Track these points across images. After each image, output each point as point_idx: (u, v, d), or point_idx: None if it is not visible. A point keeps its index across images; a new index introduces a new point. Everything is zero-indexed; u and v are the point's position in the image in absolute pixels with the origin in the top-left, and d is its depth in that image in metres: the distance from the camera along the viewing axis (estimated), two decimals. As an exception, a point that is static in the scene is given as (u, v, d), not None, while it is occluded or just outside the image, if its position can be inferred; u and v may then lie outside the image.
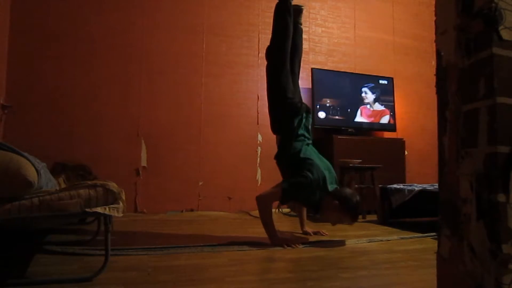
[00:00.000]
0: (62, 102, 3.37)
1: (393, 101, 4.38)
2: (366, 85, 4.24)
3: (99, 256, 1.66)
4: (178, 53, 3.77)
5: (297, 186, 2.16)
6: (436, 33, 0.90)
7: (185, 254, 1.85)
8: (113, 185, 1.49)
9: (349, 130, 4.08)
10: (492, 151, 0.74)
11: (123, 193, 1.53)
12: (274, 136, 2.48)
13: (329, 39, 4.40)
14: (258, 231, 2.56)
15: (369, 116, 4.23)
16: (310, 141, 2.41)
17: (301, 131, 2.35)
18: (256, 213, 3.51)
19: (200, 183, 3.72)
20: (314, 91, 3.99)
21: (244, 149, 3.91)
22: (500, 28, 0.75)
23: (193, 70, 3.81)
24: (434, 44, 0.91)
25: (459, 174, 0.82)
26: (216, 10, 3.93)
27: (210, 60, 3.88)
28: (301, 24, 2.58)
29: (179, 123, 3.71)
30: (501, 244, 0.72)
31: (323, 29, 4.38)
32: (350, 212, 2.15)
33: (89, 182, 1.47)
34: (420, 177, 4.47)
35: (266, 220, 2.19)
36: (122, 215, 1.47)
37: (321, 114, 3.99)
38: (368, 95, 4.24)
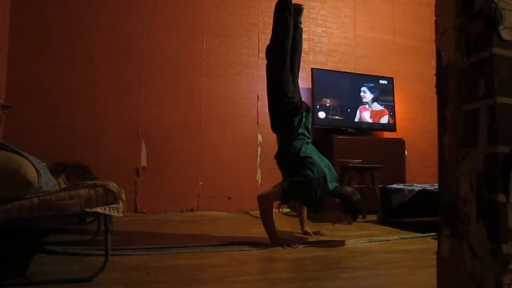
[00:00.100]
0: (62, 102, 3.37)
1: (393, 101, 4.38)
2: (365, 84, 4.24)
3: (99, 256, 1.66)
4: (178, 53, 3.77)
5: (297, 185, 2.16)
6: (436, 33, 0.90)
7: (185, 254, 1.85)
8: (113, 185, 1.49)
9: (349, 130, 4.08)
10: (492, 151, 0.74)
11: (123, 193, 1.53)
12: (274, 136, 2.48)
13: (329, 39, 4.40)
14: (258, 231, 2.56)
15: (368, 116, 4.23)
16: (310, 140, 2.42)
17: (301, 130, 2.35)
18: (256, 213, 3.52)
19: (200, 183, 3.72)
20: (314, 91, 3.99)
21: (244, 149, 3.91)
22: (500, 28, 0.75)
23: (193, 70, 3.81)
24: (434, 44, 0.91)
25: (459, 174, 0.82)
26: (216, 10, 3.93)
27: (210, 60, 3.88)
28: (301, 23, 2.59)
29: (179, 123, 3.71)
30: (501, 244, 0.72)
31: (323, 29, 4.38)
32: (350, 210, 2.15)
33: (89, 182, 1.47)
34: (420, 177, 4.47)
35: (267, 220, 2.19)
36: (122, 215, 1.47)
37: (321, 114, 3.99)
38: (367, 95, 4.24)
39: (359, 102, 4.21)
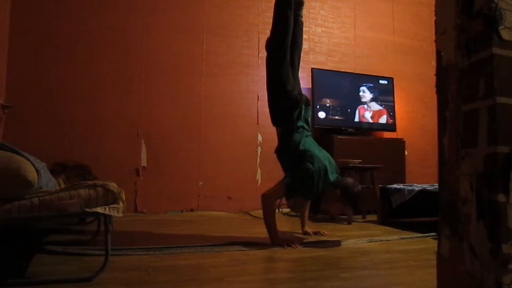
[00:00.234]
0: (62, 102, 3.37)
1: (393, 101, 4.38)
2: (364, 84, 4.24)
3: (99, 256, 1.66)
4: (178, 53, 3.77)
5: (299, 180, 2.17)
6: (436, 33, 0.90)
7: (185, 254, 1.85)
8: (113, 185, 1.49)
9: (349, 130, 4.08)
10: (492, 151, 0.74)
11: (123, 193, 1.53)
12: (274, 136, 2.47)
13: (329, 39, 4.40)
14: (258, 231, 2.56)
15: (367, 116, 4.23)
16: (310, 133, 2.42)
17: (300, 123, 2.35)
18: (255, 213, 3.52)
19: (200, 183, 3.72)
20: (314, 91, 3.99)
21: (244, 149, 3.91)
22: (500, 28, 0.75)
23: (193, 70, 3.81)
24: (434, 44, 0.91)
25: (459, 174, 0.82)
26: (216, 10, 3.93)
27: (210, 60, 3.88)
28: (301, 17, 2.57)
29: (179, 123, 3.71)
30: (501, 244, 0.72)
31: (323, 29, 4.38)
32: (351, 200, 2.16)
33: (89, 182, 1.47)
34: (420, 177, 4.48)
35: (269, 219, 2.19)
36: (122, 215, 1.47)
37: (321, 114, 3.99)
38: (366, 94, 4.23)
39: (359, 102, 4.21)
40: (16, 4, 3.27)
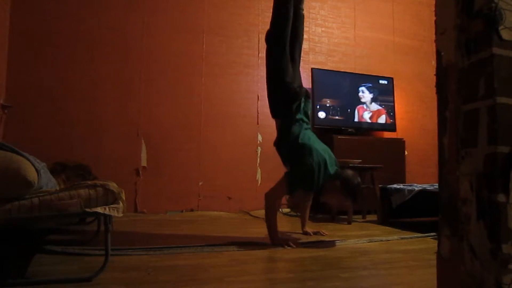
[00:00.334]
0: (62, 102, 3.37)
1: (393, 101, 4.38)
2: (363, 84, 4.24)
3: (99, 256, 1.66)
4: (178, 53, 3.77)
5: (301, 174, 2.17)
6: (436, 33, 0.90)
7: (185, 254, 1.85)
8: (113, 185, 1.49)
9: (349, 130, 4.08)
10: (492, 151, 0.74)
11: (123, 193, 1.53)
12: (274, 136, 2.47)
13: (329, 39, 4.40)
14: (258, 231, 2.56)
15: (366, 116, 4.23)
16: (309, 126, 2.41)
17: (299, 116, 2.34)
18: (255, 213, 3.52)
19: (200, 183, 3.72)
20: (314, 91, 3.99)
21: (244, 149, 3.91)
22: (500, 28, 0.75)
23: (193, 70, 3.81)
24: (434, 44, 0.91)
25: (459, 174, 0.82)
26: (216, 10, 3.93)
27: (210, 60, 3.88)
28: (302, 10, 2.55)
29: (179, 123, 3.71)
30: (501, 244, 0.72)
31: (323, 29, 4.38)
32: (351, 192, 2.16)
33: (89, 182, 1.47)
34: (420, 177, 4.47)
35: (270, 219, 2.19)
36: (122, 215, 1.47)
37: (321, 114, 3.99)
38: (365, 94, 4.23)
39: (358, 102, 4.21)
40: (16, 4, 3.27)
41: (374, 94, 4.27)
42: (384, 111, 4.31)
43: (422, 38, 4.79)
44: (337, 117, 4.07)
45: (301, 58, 2.62)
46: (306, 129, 2.34)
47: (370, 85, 4.27)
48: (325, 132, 4.03)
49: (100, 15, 3.54)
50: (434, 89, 0.90)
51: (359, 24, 4.56)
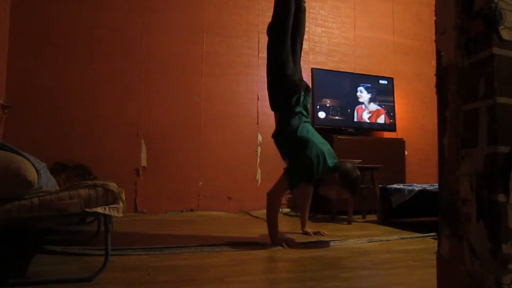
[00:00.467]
0: (62, 102, 3.37)
1: (393, 101, 4.38)
2: (362, 84, 4.24)
3: (99, 256, 1.66)
4: (178, 53, 3.77)
5: (300, 168, 2.17)
6: (436, 33, 0.90)
7: (185, 254, 1.85)
8: (113, 185, 1.49)
9: (349, 130, 4.08)
10: (492, 151, 0.74)
11: (123, 193, 1.53)
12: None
13: (329, 39, 4.40)
14: (258, 231, 2.56)
15: (365, 116, 4.23)
16: (308, 120, 2.41)
17: (299, 109, 2.34)
18: (255, 213, 3.52)
19: (200, 183, 3.72)
20: (314, 91, 3.99)
21: (244, 149, 3.91)
22: (500, 28, 0.75)
23: (193, 70, 3.81)
24: (434, 44, 0.91)
25: (459, 174, 0.82)
26: (216, 10, 3.93)
27: (210, 60, 3.88)
28: (304, 2, 2.55)
29: (179, 123, 3.71)
30: (501, 244, 0.72)
31: (323, 29, 4.38)
32: (350, 184, 2.15)
33: (89, 182, 1.47)
34: (420, 177, 4.47)
35: (271, 218, 2.19)
36: (122, 215, 1.47)
37: (321, 114, 3.99)
38: (363, 94, 4.23)
39: (357, 102, 4.21)
40: (16, 4, 3.27)
41: (372, 94, 4.27)
42: (384, 111, 4.31)
43: (422, 38, 4.79)
44: (337, 117, 4.07)
45: (301, 58, 2.62)
46: (305, 122, 2.34)
47: (369, 85, 4.27)
48: (325, 132, 4.01)
49: (100, 15, 3.54)
50: (434, 89, 0.90)
51: (359, 24, 4.56)
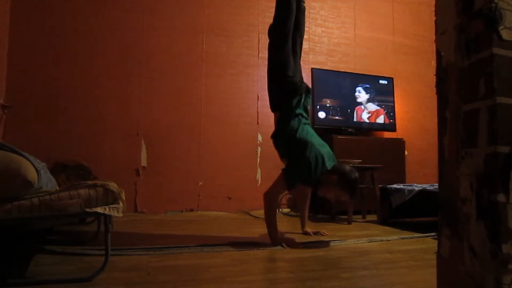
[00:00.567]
0: (62, 102, 3.37)
1: (393, 101, 4.38)
2: (360, 84, 4.24)
3: (99, 256, 1.66)
4: (178, 53, 3.77)
5: (298, 170, 2.17)
6: (436, 33, 0.90)
7: (185, 254, 1.85)
8: (113, 185, 1.49)
9: (349, 130, 4.08)
10: (492, 151, 0.74)
11: (123, 193, 1.53)
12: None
13: (329, 39, 4.40)
14: (258, 231, 2.56)
15: (364, 116, 4.23)
16: (308, 121, 2.41)
17: (299, 111, 2.33)
18: (255, 213, 3.52)
19: (200, 183, 3.72)
20: (314, 91, 3.99)
21: (244, 149, 3.91)
22: (500, 28, 0.75)
23: (193, 70, 3.81)
24: (434, 44, 0.91)
25: (459, 174, 0.82)
26: (216, 10, 3.93)
27: (210, 60, 3.87)
28: (304, 2, 2.56)
29: (179, 123, 3.71)
30: (501, 244, 0.72)
31: (323, 29, 4.38)
32: (348, 186, 2.15)
33: (89, 182, 1.47)
34: (420, 177, 4.47)
35: (270, 218, 2.19)
36: (122, 215, 1.47)
37: (321, 114, 3.99)
38: (362, 95, 4.23)
39: (357, 102, 4.21)
40: (16, 4, 3.27)
41: (371, 95, 4.27)
42: (383, 111, 4.31)
43: (422, 38, 4.79)
44: (337, 117, 4.07)
45: (301, 58, 2.62)
46: (304, 124, 2.34)
47: (367, 85, 4.26)
48: (325, 132, 4.02)
49: (100, 15, 3.54)
50: (434, 89, 0.90)
51: (359, 24, 4.56)
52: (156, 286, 1.34)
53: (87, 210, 1.40)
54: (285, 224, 3.00)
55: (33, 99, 3.28)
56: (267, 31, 2.50)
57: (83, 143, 3.38)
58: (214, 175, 3.77)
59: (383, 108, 4.31)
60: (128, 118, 3.56)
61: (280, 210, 3.80)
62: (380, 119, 4.29)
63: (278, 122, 2.36)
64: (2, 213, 1.30)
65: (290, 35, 2.38)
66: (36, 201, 1.36)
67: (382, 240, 2.35)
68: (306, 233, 2.53)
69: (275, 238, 2.15)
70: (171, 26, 3.76)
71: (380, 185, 3.30)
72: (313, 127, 2.42)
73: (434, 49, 0.91)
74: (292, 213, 3.69)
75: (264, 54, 2.53)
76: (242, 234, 2.50)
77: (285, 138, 2.30)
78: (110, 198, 1.46)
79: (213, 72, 3.87)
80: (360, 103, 4.21)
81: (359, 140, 4.00)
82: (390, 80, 4.42)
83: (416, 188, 2.90)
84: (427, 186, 3.08)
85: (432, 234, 2.51)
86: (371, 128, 4.28)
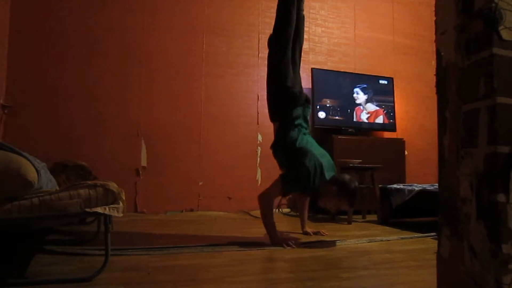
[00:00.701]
0: (62, 102, 3.37)
1: (393, 101, 4.38)
2: (358, 85, 4.23)
3: (99, 256, 1.66)
4: (178, 53, 3.77)
5: (296, 177, 2.17)
6: (436, 33, 0.90)
7: (185, 254, 1.85)
8: (113, 185, 1.49)
9: (349, 130, 4.08)
10: (492, 151, 0.74)
11: (123, 193, 1.52)
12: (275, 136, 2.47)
13: (329, 39, 4.40)
14: (258, 231, 2.56)
15: (363, 117, 4.23)
16: (308, 131, 2.41)
17: (298, 121, 2.33)
18: (256, 213, 3.52)
19: (200, 183, 3.72)
20: (314, 91, 3.99)
21: (244, 149, 3.91)
22: (500, 28, 0.75)
23: (193, 70, 3.81)
24: (434, 44, 0.91)
25: (459, 174, 0.82)
26: (216, 10, 3.93)
27: (210, 60, 3.88)
28: (303, 11, 2.55)
29: (179, 123, 3.71)
30: (501, 244, 0.72)
31: (323, 29, 4.38)
32: (348, 197, 2.16)
33: (89, 182, 1.47)
34: (420, 177, 4.48)
35: (267, 219, 2.19)
36: (122, 215, 1.46)
37: (321, 114, 3.99)
38: (360, 96, 4.23)
39: (356, 102, 4.21)
40: (16, 4, 3.27)
41: (369, 95, 4.26)
42: (382, 112, 4.31)
43: (422, 38, 4.79)
44: (337, 117, 4.07)
45: (301, 58, 2.62)
46: (304, 134, 2.34)
47: (365, 85, 4.26)
48: (325, 132, 4.03)
49: (100, 15, 3.54)
50: (434, 89, 0.90)
51: (359, 24, 4.56)
52: (156, 286, 1.34)
53: (87, 210, 1.40)
54: (285, 224, 3.00)
55: (33, 99, 3.28)
56: (266, 38, 2.50)
57: (83, 143, 3.38)
58: (214, 175, 3.77)
59: (382, 108, 4.31)
60: (128, 118, 3.56)
61: (280, 210, 3.80)
62: (379, 120, 4.29)
63: (277, 132, 2.36)
64: (2, 213, 1.30)
65: (290, 45, 2.38)
66: (36, 201, 1.36)
67: (382, 240, 2.35)
68: (306, 233, 2.53)
69: (274, 238, 2.15)
70: (171, 26, 3.76)
71: (380, 185, 3.31)
72: (313, 127, 2.42)
73: (434, 49, 0.91)
74: (292, 213, 3.69)
75: (264, 54, 2.52)
76: (242, 234, 2.50)
77: (284, 148, 2.30)
78: (110, 198, 1.46)
79: (213, 72, 3.87)
80: (359, 104, 4.21)
81: (359, 140, 4.00)
82: (390, 80, 4.42)
83: (416, 188, 2.90)
84: (427, 186, 3.08)
85: (432, 234, 2.51)
86: (371, 128, 4.28)
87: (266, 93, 2.44)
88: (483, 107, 0.77)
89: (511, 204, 0.73)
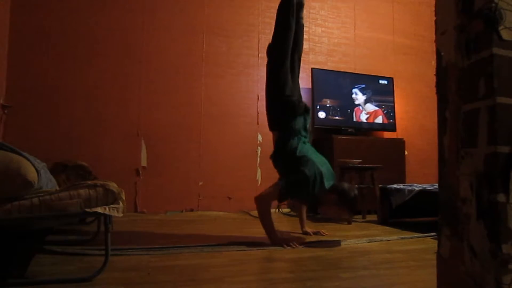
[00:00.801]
0: (62, 102, 3.37)
1: (393, 101, 4.38)
2: (356, 86, 4.23)
3: (99, 256, 1.66)
4: (178, 53, 3.77)
5: (294, 184, 2.17)
6: (436, 33, 0.90)
7: (185, 254, 1.85)
8: (113, 185, 1.49)
9: (349, 130, 4.08)
10: (492, 151, 0.74)
11: (123, 193, 1.53)
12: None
13: (329, 39, 4.40)
14: (258, 231, 2.56)
15: (363, 117, 4.22)
16: (307, 140, 2.41)
17: (298, 130, 2.34)
18: (255, 213, 3.51)
19: (200, 183, 3.72)
20: (314, 91, 3.99)
21: (244, 149, 3.91)
22: (500, 28, 0.75)
23: (193, 70, 3.81)
24: (434, 44, 0.91)
25: (459, 174, 0.82)
26: (216, 10, 3.93)
27: (210, 60, 3.88)
28: (302, 19, 2.55)
29: (179, 123, 3.71)
30: (501, 244, 0.72)
31: (323, 29, 4.38)
32: (347, 205, 2.17)
33: (89, 182, 1.47)
34: (420, 177, 4.47)
35: (265, 220, 2.19)
36: (122, 215, 1.47)
37: (321, 114, 3.99)
38: (358, 96, 4.23)
39: (355, 103, 4.21)
40: (16, 4, 3.27)
41: (367, 95, 4.26)
42: (381, 112, 4.30)
43: (422, 38, 4.79)
44: (337, 117, 4.07)
45: (301, 58, 2.62)
46: (304, 142, 2.34)
47: (363, 86, 4.25)
48: (325, 132, 4.03)
49: (100, 15, 3.54)
50: (434, 89, 0.90)
51: (359, 24, 4.56)
52: (156, 286, 1.34)
53: (87, 210, 1.40)
54: (285, 224, 3.00)
55: (33, 99, 3.28)
56: (266, 38, 2.50)
57: (83, 143, 3.38)
58: (214, 175, 3.77)
59: (382, 108, 4.31)
60: (128, 118, 3.56)
61: (280, 210, 3.80)
62: (379, 120, 4.28)
63: (277, 141, 2.36)
64: (2, 213, 1.30)
65: (289, 55, 2.38)
66: (36, 201, 1.36)
67: (382, 240, 2.35)
68: (306, 233, 2.53)
69: (274, 239, 2.15)
70: (171, 26, 3.76)
71: (380, 185, 3.31)
72: (313, 127, 2.42)
73: (434, 49, 0.91)
74: (292, 213, 3.69)
75: (264, 54, 2.52)
76: (242, 234, 2.50)
77: (284, 157, 2.30)
78: (110, 198, 1.46)
79: (213, 72, 3.87)
80: (358, 104, 4.21)
81: (359, 140, 4.00)
82: (390, 80, 4.42)
83: (416, 188, 2.90)
84: (427, 186, 3.08)
85: (432, 234, 2.51)
86: (371, 128, 4.28)
87: (265, 102, 2.44)
88: (483, 107, 0.77)
89: (511, 204, 0.73)
